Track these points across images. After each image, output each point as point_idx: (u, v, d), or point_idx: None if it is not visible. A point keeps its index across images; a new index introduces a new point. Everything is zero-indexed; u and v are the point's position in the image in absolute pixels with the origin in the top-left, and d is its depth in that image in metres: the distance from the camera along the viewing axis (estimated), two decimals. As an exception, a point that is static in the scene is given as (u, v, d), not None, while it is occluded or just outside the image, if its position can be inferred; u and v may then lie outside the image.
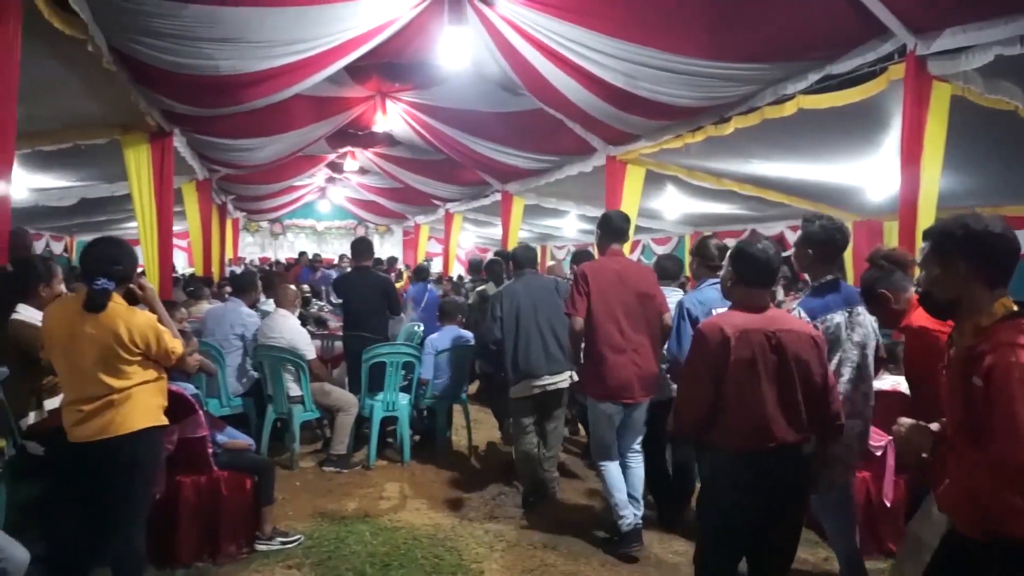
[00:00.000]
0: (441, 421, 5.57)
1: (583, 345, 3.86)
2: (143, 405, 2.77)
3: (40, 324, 3.07)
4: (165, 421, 2.88)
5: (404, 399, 5.26)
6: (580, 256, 6.12)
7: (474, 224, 17.01)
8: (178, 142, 8.12)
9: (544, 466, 4.50)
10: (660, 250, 15.32)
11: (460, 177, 12.56)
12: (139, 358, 2.74)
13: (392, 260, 16.05)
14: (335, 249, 21.90)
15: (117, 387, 2.69)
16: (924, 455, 1.96)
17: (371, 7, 5.87)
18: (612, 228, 4.02)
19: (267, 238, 22.42)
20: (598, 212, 11.93)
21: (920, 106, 3.81)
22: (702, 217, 12.35)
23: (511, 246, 12.07)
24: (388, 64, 7.90)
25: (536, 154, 9.78)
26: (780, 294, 8.85)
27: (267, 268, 16.06)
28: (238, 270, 15.93)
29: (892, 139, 5.12)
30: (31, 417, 3.13)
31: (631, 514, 3.75)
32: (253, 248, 22.02)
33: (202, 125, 8.16)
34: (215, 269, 12.33)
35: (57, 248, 16.37)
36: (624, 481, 3.83)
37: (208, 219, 11.33)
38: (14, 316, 3.15)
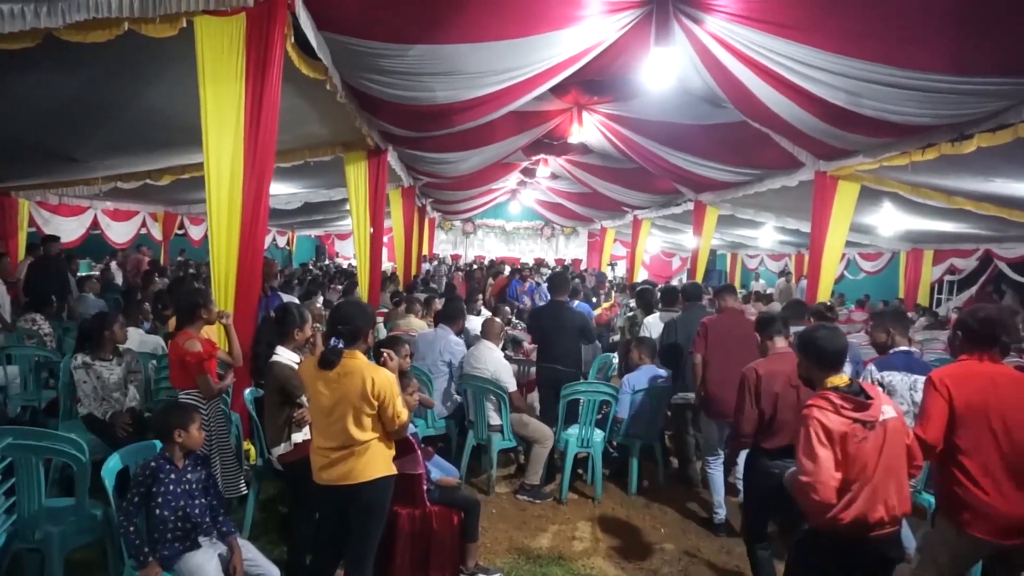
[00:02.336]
0: (634, 460, 5.49)
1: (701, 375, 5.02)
2: (379, 455, 3.02)
3: (294, 365, 3.47)
4: (395, 470, 3.12)
5: (598, 435, 5.26)
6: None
7: (662, 230, 16.59)
8: (390, 157, 8.76)
9: (697, 457, 5.72)
10: (868, 266, 14.00)
11: (652, 185, 12.30)
12: (375, 413, 2.97)
13: (602, 277, 16.05)
14: (522, 248, 22.57)
15: (360, 439, 2.95)
16: None
17: (578, 32, 5.88)
18: (729, 289, 5.51)
19: (459, 236, 23.55)
20: (800, 225, 11.31)
21: None
22: (924, 234, 11.13)
23: (703, 255, 11.77)
24: (588, 79, 7.91)
25: (736, 167, 9.33)
26: None
27: (471, 269, 16.53)
28: (431, 266, 16.93)
29: None
30: (281, 447, 3.54)
31: (724, 512, 4.85)
32: (446, 245, 23.26)
33: (414, 143, 8.72)
34: (412, 264, 13.15)
35: (281, 242, 18.48)
36: (723, 485, 4.91)
37: (410, 221, 12.14)
38: (274, 358, 3.57)
